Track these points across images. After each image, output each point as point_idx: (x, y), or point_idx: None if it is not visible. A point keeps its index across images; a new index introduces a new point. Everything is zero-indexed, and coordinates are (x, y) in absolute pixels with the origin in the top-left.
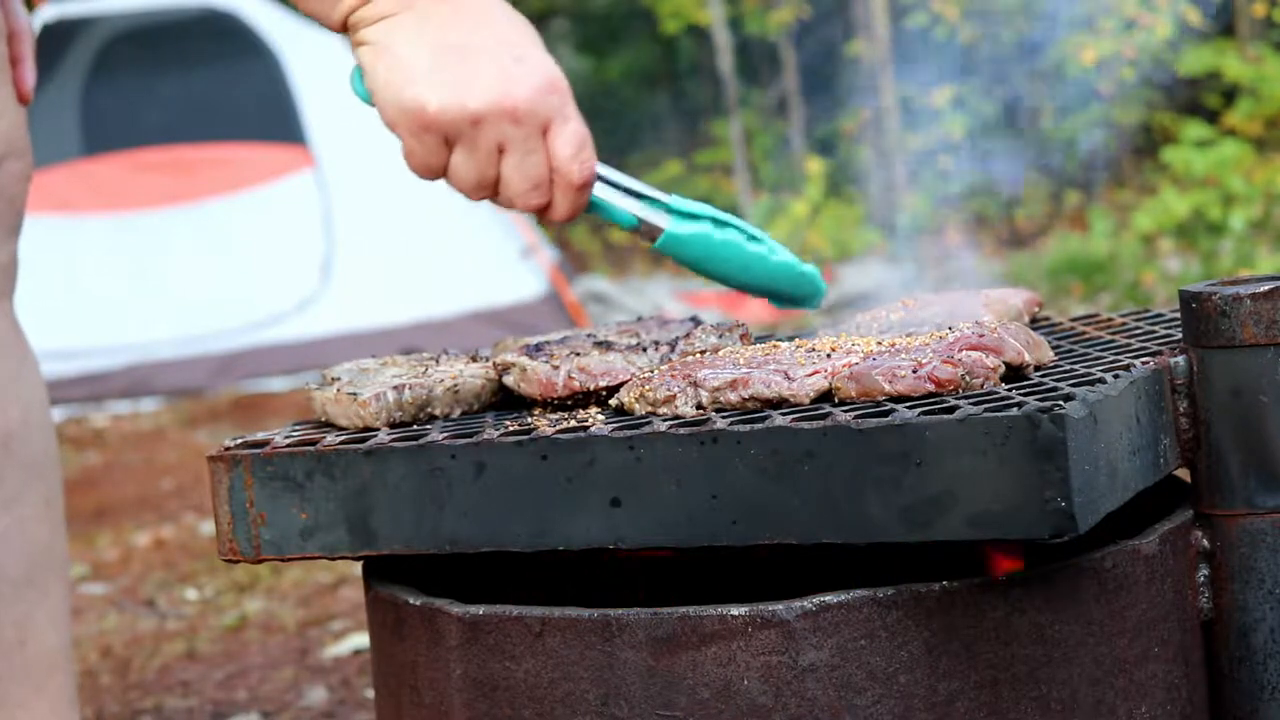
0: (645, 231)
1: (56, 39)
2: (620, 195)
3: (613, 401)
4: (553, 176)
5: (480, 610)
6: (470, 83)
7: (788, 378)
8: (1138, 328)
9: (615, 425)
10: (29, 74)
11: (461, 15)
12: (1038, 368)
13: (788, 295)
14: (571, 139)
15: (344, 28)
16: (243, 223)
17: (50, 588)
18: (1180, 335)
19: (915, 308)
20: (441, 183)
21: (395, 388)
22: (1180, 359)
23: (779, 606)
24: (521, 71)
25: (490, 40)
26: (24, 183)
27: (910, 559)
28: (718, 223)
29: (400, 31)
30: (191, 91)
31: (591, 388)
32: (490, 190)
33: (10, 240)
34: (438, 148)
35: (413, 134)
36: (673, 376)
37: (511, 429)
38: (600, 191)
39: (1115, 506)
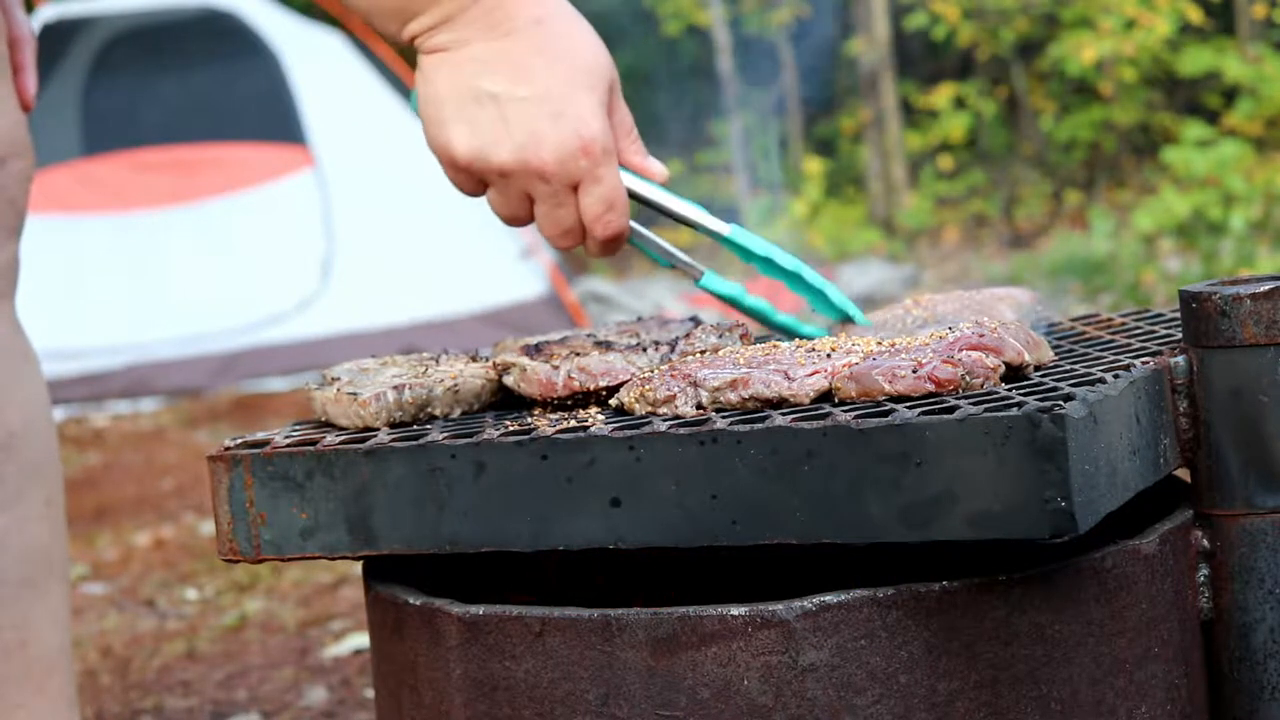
0: (681, 271)
1: (56, 39)
2: (659, 241)
3: (613, 401)
4: (584, 228)
5: (480, 610)
6: (498, 139)
7: (788, 378)
8: (1138, 328)
9: (615, 425)
10: (31, 81)
11: (511, 58)
12: (1038, 368)
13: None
14: (599, 201)
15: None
16: (243, 223)
17: (50, 588)
18: (1180, 335)
19: (928, 305)
20: (442, 183)
21: (395, 388)
22: (1180, 359)
23: (779, 606)
24: (554, 131)
25: (532, 91)
26: (25, 183)
27: (910, 559)
28: (763, 268)
29: (446, 68)
30: (191, 91)
31: (591, 388)
32: (524, 224)
33: (11, 241)
34: (472, 183)
35: (446, 170)
36: (673, 376)
37: (511, 429)
38: (644, 235)
39: (1115, 506)
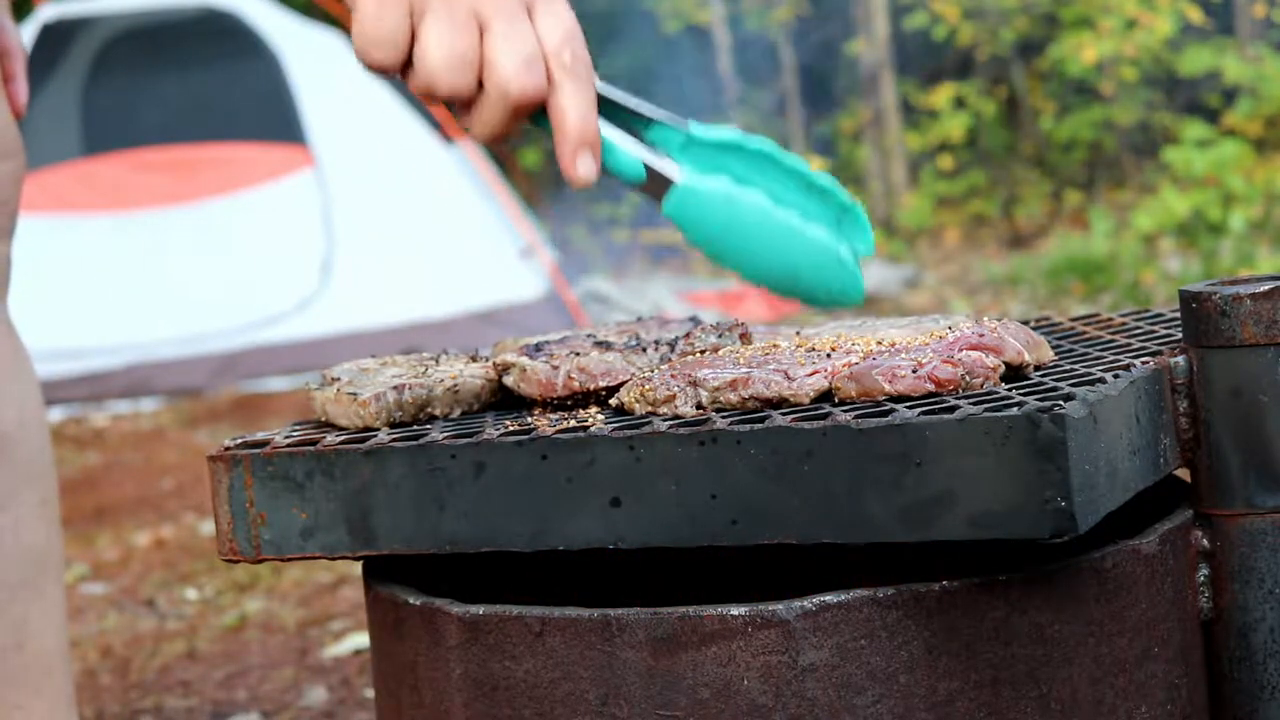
0: (651, 186)
1: (56, 39)
2: (625, 137)
3: (613, 401)
4: (547, 60)
5: (480, 610)
6: None
7: (788, 378)
8: (1138, 328)
9: (615, 425)
10: (22, 91)
11: None
12: (1038, 367)
13: (811, 292)
14: (559, 25)
15: None
16: (243, 223)
17: (46, 589)
18: (1180, 335)
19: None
20: (442, 183)
21: (395, 388)
22: (1180, 359)
23: (779, 606)
24: None
25: None
26: (15, 184)
27: (910, 559)
28: (741, 160)
29: None
30: (191, 91)
31: (591, 388)
32: (471, 73)
33: (3, 242)
34: (400, 16)
35: None
36: (673, 376)
37: (511, 429)
38: (604, 129)
39: (1115, 506)
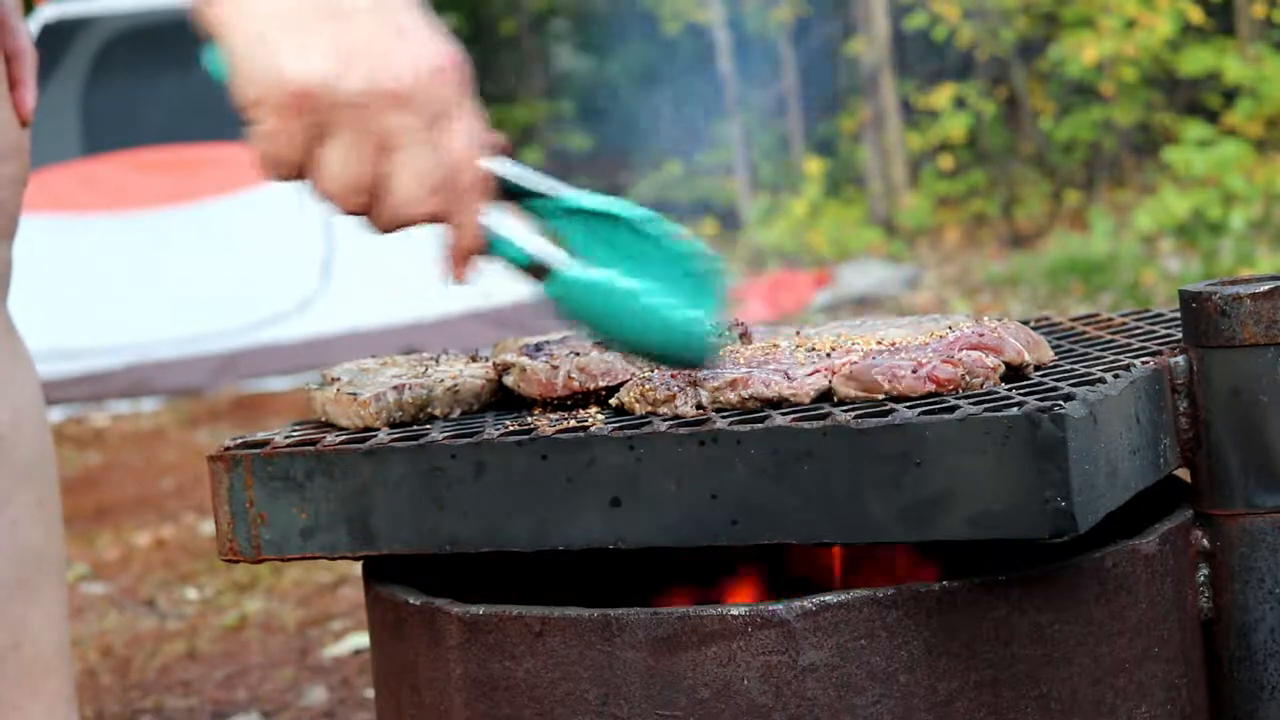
0: (535, 272)
1: (56, 39)
2: (514, 229)
3: (613, 401)
4: (450, 183)
5: (480, 610)
6: (349, 58)
7: (788, 377)
8: (1138, 328)
9: (615, 425)
10: (29, 97)
11: None
12: (1038, 367)
13: (665, 359)
14: (469, 136)
15: None
16: (243, 223)
17: (45, 590)
18: (1180, 335)
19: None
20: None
21: (395, 388)
22: (1180, 359)
23: (779, 606)
24: (405, 49)
25: (367, 8)
26: (17, 186)
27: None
28: (617, 229)
29: None
30: (191, 91)
31: (591, 387)
32: (368, 196)
33: (4, 244)
34: (304, 135)
35: (276, 114)
36: (672, 376)
37: (511, 429)
38: (496, 224)
39: (1115, 506)
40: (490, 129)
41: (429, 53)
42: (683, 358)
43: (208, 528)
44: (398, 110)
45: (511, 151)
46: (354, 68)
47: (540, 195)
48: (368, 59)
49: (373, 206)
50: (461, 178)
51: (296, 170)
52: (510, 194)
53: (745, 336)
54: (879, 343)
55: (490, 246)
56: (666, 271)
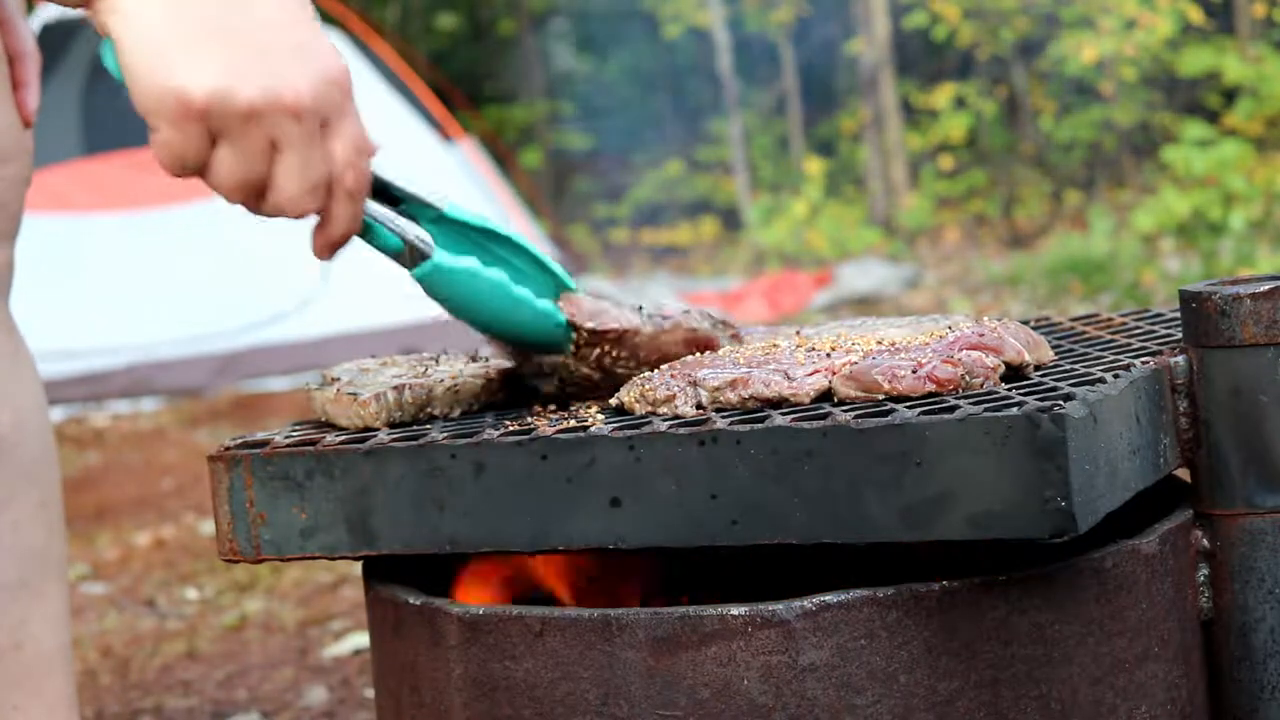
0: (408, 257)
1: (56, 39)
2: (389, 217)
3: (612, 401)
4: (330, 182)
5: (480, 610)
6: (241, 71)
7: (788, 377)
8: (1138, 328)
9: (615, 425)
10: (32, 98)
11: None
12: (1038, 367)
13: (535, 343)
14: (352, 142)
15: (83, 1)
16: (243, 223)
17: (46, 591)
18: (1180, 335)
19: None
20: (439, 179)
21: (395, 388)
22: (1180, 359)
23: (779, 606)
24: (299, 62)
25: (258, 22)
26: (20, 186)
27: (910, 559)
28: (490, 244)
29: (154, 3)
30: None
31: (580, 324)
32: (254, 192)
33: (6, 244)
34: (200, 141)
35: (172, 124)
36: (672, 376)
37: (511, 429)
38: (372, 210)
39: (1115, 506)
40: (489, 128)
41: (320, 66)
42: (543, 342)
43: (208, 528)
44: (288, 119)
45: (375, 153)
46: (247, 80)
47: (414, 200)
48: (261, 72)
49: (257, 201)
50: (342, 179)
51: (189, 173)
52: (388, 198)
53: (735, 338)
54: (879, 343)
55: (365, 231)
56: (526, 276)
